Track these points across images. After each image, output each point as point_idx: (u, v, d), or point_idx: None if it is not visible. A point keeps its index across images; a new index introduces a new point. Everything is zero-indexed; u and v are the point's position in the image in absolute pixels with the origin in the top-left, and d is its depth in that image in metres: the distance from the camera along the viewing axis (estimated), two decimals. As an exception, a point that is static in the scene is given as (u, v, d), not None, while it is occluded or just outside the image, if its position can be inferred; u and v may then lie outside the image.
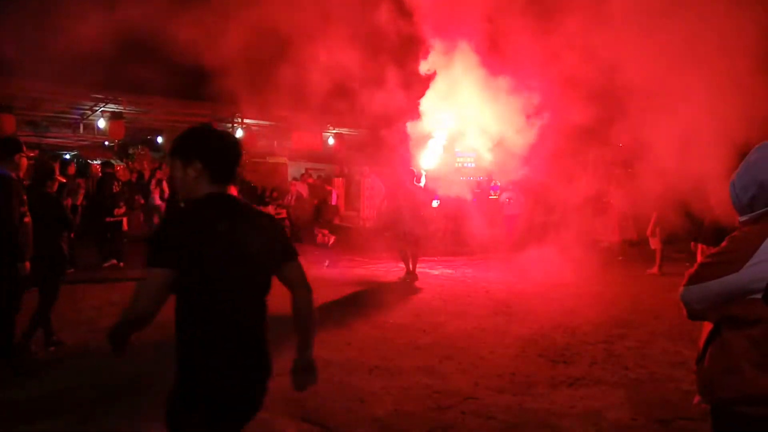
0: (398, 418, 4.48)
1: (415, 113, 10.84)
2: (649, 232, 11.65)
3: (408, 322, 7.36)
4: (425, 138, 11.08)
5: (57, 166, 6.32)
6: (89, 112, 18.96)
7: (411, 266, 10.48)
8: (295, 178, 19.17)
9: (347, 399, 4.84)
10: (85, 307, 7.75)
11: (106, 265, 10.92)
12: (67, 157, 23.59)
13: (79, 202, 7.42)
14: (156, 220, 14.06)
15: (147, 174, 18.34)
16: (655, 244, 11.56)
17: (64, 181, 6.43)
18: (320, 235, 15.81)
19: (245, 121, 20.24)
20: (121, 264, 11.14)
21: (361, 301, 8.60)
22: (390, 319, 7.54)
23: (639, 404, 4.84)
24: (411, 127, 10.96)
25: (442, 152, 11.35)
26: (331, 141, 22.44)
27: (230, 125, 20.79)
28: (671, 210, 10.17)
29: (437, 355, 6.04)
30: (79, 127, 20.54)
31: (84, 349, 6.02)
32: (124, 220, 11.67)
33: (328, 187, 16.58)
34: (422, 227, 10.56)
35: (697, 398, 2.39)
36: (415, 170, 10.95)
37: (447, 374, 5.49)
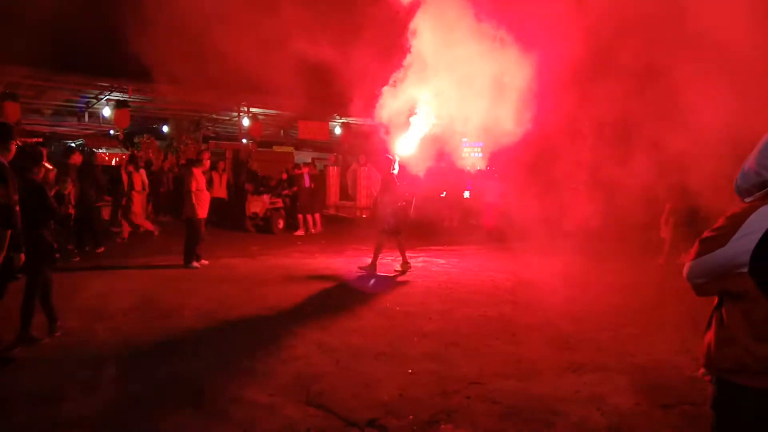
0: (403, 403, 4.51)
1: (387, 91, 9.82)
2: (663, 220, 11.59)
3: (414, 310, 7.39)
4: (404, 121, 10.12)
5: (45, 153, 6.19)
6: (94, 101, 18.99)
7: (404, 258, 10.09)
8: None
9: (353, 384, 4.87)
10: (90, 294, 7.80)
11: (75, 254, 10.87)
12: (73, 145, 23.74)
13: (67, 191, 7.27)
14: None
15: (157, 163, 18.39)
16: (666, 233, 11.52)
17: (51, 168, 6.30)
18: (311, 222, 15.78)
19: (251, 109, 20.22)
20: (99, 250, 11.20)
21: (366, 288, 8.62)
22: (396, 306, 7.56)
23: (642, 390, 4.85)
24: (384, 108, 9.87)
25: (423, 136, 10.22)
26: (338, 130, 22.44)
27: (236, 114, 20.82)
28: (684, 199, 10.18)
29: (443, 342, 6.06)
30: (84, 116, 20.58)
31: (89, 336, 6.07)
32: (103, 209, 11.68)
33: (297, 171, 16.34)
34: (398, 217, 10.08)
35: (701, 369, 2.45)
36: (391, 157, 10.30)
37: (452, 360, 5.51)
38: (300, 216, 15.57)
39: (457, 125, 9.58)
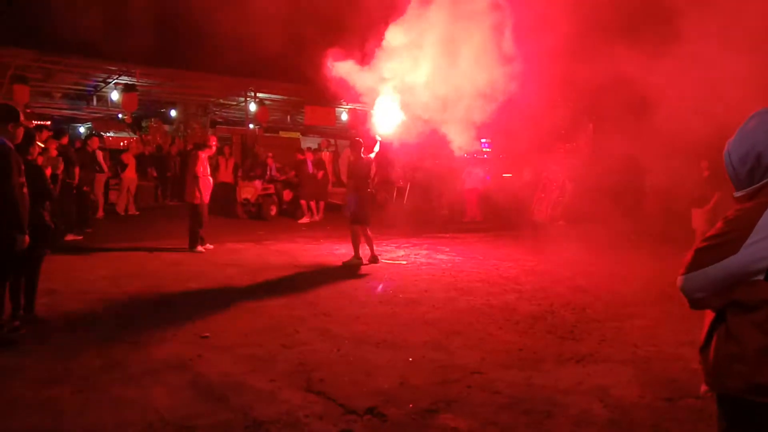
0: (403, 391, 4.47)
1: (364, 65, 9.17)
2: (707, 210, 11.39)
3: (417, 298, 7.35)
4: (378, 97, 9.43)
5: (37, 134, 6.16)
6: (102, 84, 18.98)
7: (365, 250, 9.46)
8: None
9: (353, 371, 4.84)
10: (95, 277, 7.81)
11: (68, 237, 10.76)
12: (82, 129, 23.81)
13: (59, 171, 7.22)
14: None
15: (166, 147, 18.38)
16: (698, 224, 11.34)
17: (43, 147, 6.27)
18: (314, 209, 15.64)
19: (258, 95, 20.16)
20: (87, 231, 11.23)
21: (370, 276, 8.59)
22: (400, 294, 7.53)
23: (646, 382, 4.80)
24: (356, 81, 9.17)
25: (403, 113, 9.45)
26: (344, 116, 22.34)
27: (243, 99, 20.76)
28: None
29: (445, 331, 6.02)
30: (92, 99, 20.59)
31: (93, 318, 6.07)
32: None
33: (300, 156, 16.17)
34: (360, 205, 9.44)
35: (703, 387, 2.30)
36: (361, 140, 9.79)
37: (454, 349, 5.47)
38: (303, 202, 15.44)
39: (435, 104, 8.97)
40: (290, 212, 15.74)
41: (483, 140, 19.40)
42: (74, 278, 7.65)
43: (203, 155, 10.19)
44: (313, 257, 9.94)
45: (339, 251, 10.51)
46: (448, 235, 13.29)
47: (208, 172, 10.22)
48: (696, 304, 2.20)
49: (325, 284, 7.92)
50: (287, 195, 16.26)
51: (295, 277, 8.36)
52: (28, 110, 17.52)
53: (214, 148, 10.66)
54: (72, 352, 5.06)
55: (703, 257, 2.10)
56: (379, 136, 9.54)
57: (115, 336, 5.52)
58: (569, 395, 4.50)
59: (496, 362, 5.16)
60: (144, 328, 5.79)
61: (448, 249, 11.35)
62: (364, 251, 9.49)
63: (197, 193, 9.91)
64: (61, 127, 15.21)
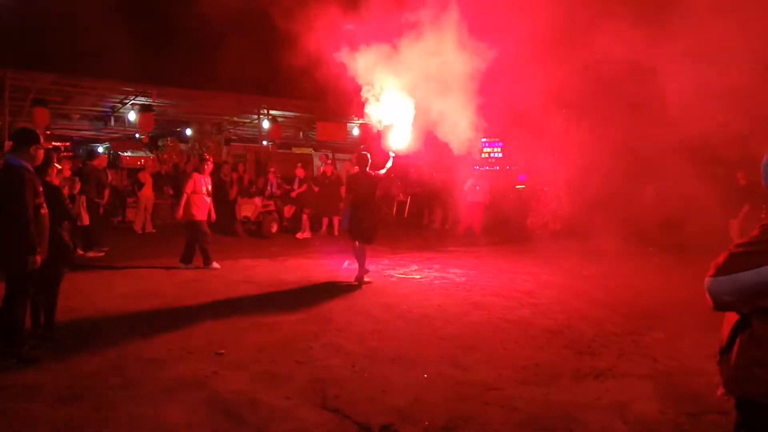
0: (419, 408, 4.43)
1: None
2: (739, 220, 11.30)
3: (431, 313, 7.31)
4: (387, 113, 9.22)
5: (55, 156, 6.23)
6: (120, 105, 19.26)
7: (358, 268, 9.15)
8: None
9: (368, 388, 4.81)
10: (114, 294, 7.85)
11: (90, 254, 10.97)
12: (100, 150, 24.12)
13: (76, 191, 7.31)
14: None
15: (182, 165, 18.51)
16: (736, 233, 11.26)
17: (60, 168, 6.32)
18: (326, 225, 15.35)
19: (271, 112, 20.32)
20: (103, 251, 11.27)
21: (384, 291, 8.56)
22: (414, 309, 7.49)
23: (667, 397, 4.72)
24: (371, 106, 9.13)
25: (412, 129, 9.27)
26: (356, 132, 22.47)
27: (256, 116, 20.95)
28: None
29: (460, 346, 5.97)
30: (110, 120, 20.90)
31: (111, 336, 6.09)
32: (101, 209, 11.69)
33: (321, 169, 15.96)
34: (370, 222, 9.17)
35: (720, 390, 2.29)
36: (368, 154, 9.48)
37: (470, 365, 5.42)
38: (305, 217, 14.95)
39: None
40: (292, 228, 15.34)
41: (492, 146, 19.41)
42: (93, 296, 7.69)
43: (197, 176, 10.16)
44: (326, 273, 9.92)
45: (353, 266, 10.49)
46: (461, 249, 13.23)
47: (203, 191, 10.07)
48: (721, 306, 2.19)
49: (339, 300, 7.90)
50: (288, 211, 15.90)
51: (308, 292, 8.35)
52: (48, 132, 17.81)
53: (208, 170, 10.38)
54: (90, 369, 5.08)
55: (736, 262, 2.09)
56: (393, 152, 9.41)
57: (132, 354, 5.53)
58: (588, 411, 4.43)
59: (513, 378, 5.10)
60: (160, 345, 5.80)
61: (461, 263, 11.28)
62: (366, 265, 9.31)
63: (186, 211, 9.89)
64: (92, 149, 15.48)
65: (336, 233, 14.87)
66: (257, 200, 15.16)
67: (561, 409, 4.46)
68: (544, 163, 15.79)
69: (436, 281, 9.38)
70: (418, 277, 9.73)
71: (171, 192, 17.33)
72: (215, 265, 9.99)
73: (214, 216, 10.23)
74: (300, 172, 16.06)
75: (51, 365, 5.17)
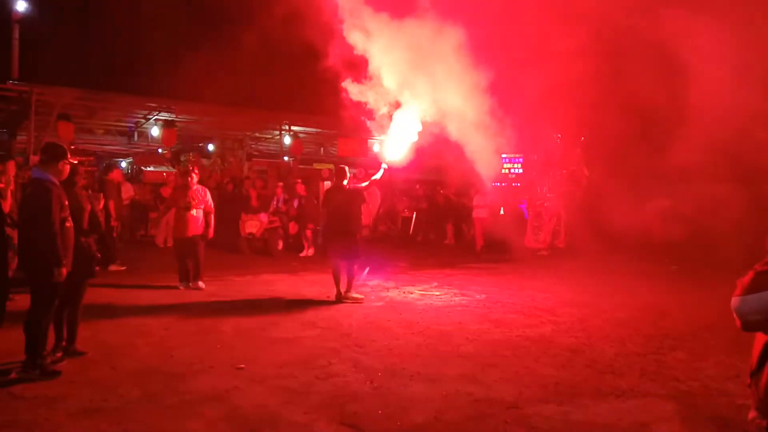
0: (438, 427, 4.42)
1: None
2: None
3: (451, 329, 7.28)
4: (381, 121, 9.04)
5: (81, 170, 6.20)
6: (143, 120, 19.55)
7: (341, 287, 8.88)
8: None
9: (387, 405, 4.80)
10: (136, 308, 7.95)
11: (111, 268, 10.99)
12: (123, 164, 24.48)
13: (100, 207, 7.38)
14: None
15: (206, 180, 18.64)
16: None
17: (85, 183, 6.44)
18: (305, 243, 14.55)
19: (292, 128, 20.50)
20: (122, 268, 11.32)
21: (403, 307, 8.54)
22: (433, 325, 7.47)
23: (690, 418, 4.65)
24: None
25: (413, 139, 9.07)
26: (376, 148, 22.56)
27: (278, 132, 21.15)
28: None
29: (480, 363, 5.94)
30: (133, 135, 21.22)
31: (132, 350, 6.16)
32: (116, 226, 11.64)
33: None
34: (347, 238, 8.87)
35: (752, 414, 2.24)
36: (345, 168, 9.30)
37: (490, 383, 5.39)
38: (309, 233, 14.20)
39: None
40: (297, 246, 14.65)
41: (513, 162, 19.40)
42: (114, 310, 7.79)
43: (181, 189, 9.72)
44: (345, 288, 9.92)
45: (372, 283, 10.51)
46: (481, 266, 13.18)
47: (184, 205, 9.48)
48: (749, 326, 2.15)
49: (358, 316, 7.91)
50: (292, 228, 15.04)
51: (328, 308, 8.36)
52: (73, 147, 18.13)
53: (192, 183, 9.61)
54: (111, 383, 5.14)
55: (762, 280, 2.06)
56: (386, 163, 9.26)
57: (153, 367, 5.58)
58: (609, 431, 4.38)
59: (533, 397, 5.06)
60: (181, 359, 5.85)
61: (481, 280, 11.24)
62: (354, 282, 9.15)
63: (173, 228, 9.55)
64: (109, 163, 15.66)
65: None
66: (262, 216, 14.62)
67: (581, 429, 4.42)
68: (547, 179, 15.73)
69: (456, 298, 9.35)
70: (438, 293, 9.71)
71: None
72: (182, 287, 9.51)
73: (211, 233, 9.74)
74: (300, 189, 15.28)
75: (73, 378, 5.25)
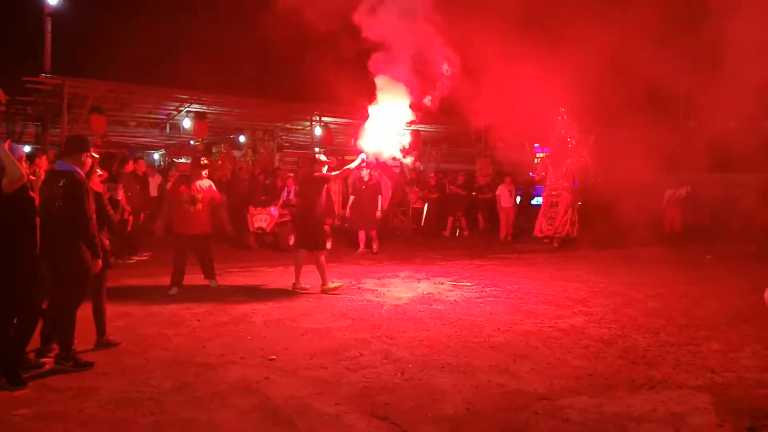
0: (469, 418, 4.41)
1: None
2: None
3: (482, 321, 7.25)
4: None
5: (97, 162, 6.18)
6: (175, 113, 19.74)
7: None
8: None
9: (418, 396, 4.80)
10: (167, 299, 8.06)
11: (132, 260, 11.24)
12: (156, 156, 24.80)
13: (120, 197, 7.27)
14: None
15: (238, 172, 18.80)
16: None
17: (101, 173, 6.40)
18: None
19: (323, 119, 20.51)
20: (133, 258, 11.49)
21: (433, 299, 8.52)
22: (464, 316, 7.45)
23: (725, 410, 4.57)
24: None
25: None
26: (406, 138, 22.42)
27: (308, 123, 21.18)
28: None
29: (511, 354, 5.91)
30: (165, 127, 21.45)
31: (163, 340, 6.25)
32: (130, 219, 11.33)
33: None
34: (311, 227, 8.73)
35: None
36: (318, 156, 9.05)
37: (521, 374, 5.36)
38: (327, 228, 12.46)
39: None
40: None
41: (545, 151, 19.26)
42: (147, 300, 7.92)
43: (183, 180, 8.87)
44: (376, 279, 9.95)
45: (402, 273, 10.52)
46: (512, 256, 13.11)
47: (188, 199, 8.57)
48: None
49: (388, 306, 7.92)
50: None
51: (359, 299, 8.39)
52: (106, 138, 18.42)
53: (196, 175, 8.79)
54: (143, 374, 5.23)
55: None
56: (365, 153, 9.10)
57: (185, 358, 5.67)
58: (643, 423, 4.33)
59: (565, 388, 5.02)
60: (212, 350, 5.93)
61: (512, 270, 11.17)
62: (321, 277, 8.83)
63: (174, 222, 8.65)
64: (125, 156, 15.55)
65: (375, 250, 13.43)
66: (272, 209, 13.71)
67: (614, 421, 4.36)
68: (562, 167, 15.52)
69: (487, 288, 9.30)
70: (469, 284, 9.66)
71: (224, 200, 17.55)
72: (172, 292, 8.47)
73: (229, 228, 9.41)
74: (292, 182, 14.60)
75: (106, 369, 5.34)
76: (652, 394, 4.93)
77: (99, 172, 6.21)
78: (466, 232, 17.85)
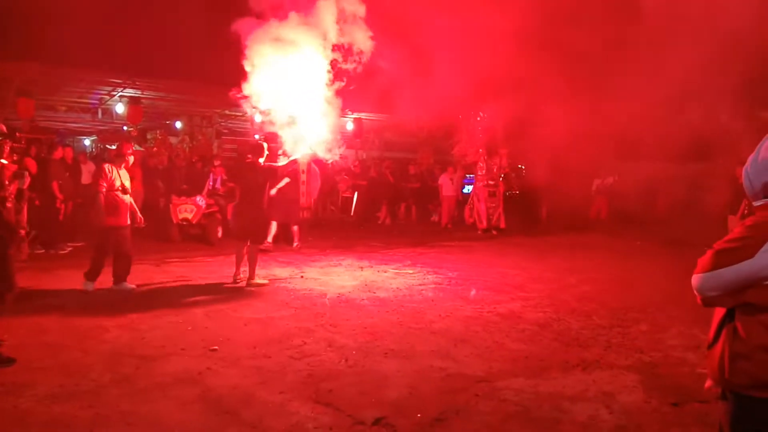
0: (411, 401, 4.51)
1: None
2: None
3: (424, 307, 7.39)
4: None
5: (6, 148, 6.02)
6: (108, 97, 19.11)
7: (244, 269, 8.51)
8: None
9: (361, 382, 4.88)
10: (103, 291, 7.87)
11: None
12: (87, 142, 23.95)
13: (25, 187, 6.94)
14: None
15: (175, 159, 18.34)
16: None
17: (6, 163, 6.11)
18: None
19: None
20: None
21: (377, 286, 8.61)
22: (405, 303, 7.56)
23: (652, 387, 4.83)
24: None
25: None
26: (349, 126, 22.42)
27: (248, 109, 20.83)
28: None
29: (452, 339, 6.06)
30: (97, 112, 20.74)
31: (101, 332, 6.10)
32: (62, 207, 11.29)
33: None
34: (251, 217, 8.47)
35: (708, 383, 2.40)
36: (263, 144, 8.76)
37: (461, 358, 5.51)
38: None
39: None
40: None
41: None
42: (79, 294, 7.69)
43: (107, 167, 8.04)
44: (319, 268, 9.97)
45: (345, 261, 10.57)
46: (452, 244, 13.35)
47: (116, 187, 7.94)
48: (708, 301, 2.30)
49: (332, 295, 7.96)
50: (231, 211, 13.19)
51: (301, 288, 8.39)
52: (33, 123, 17.67)
53: (129, 159, 8.40)
54: (81, 367, 5.10)
55: (720, 259, 2.21)
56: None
57: (124, 351, 5.55)
58: (576, 402, 4.53)
59: (503, 370, 5.19)
60: (152, 342, 5.84)
61: (453, 258, 11.39)
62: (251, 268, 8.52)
63: (98, 214, 7.91)
64: (51, 142, 14.90)
65: (297, 244, 12.23)
66: (198, 199, 12.89)
67: (549, 401, 4.55)
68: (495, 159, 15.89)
69: (429, 276, 9.46)
70: (411, 271, 9.80)
71: (185, 186, 16.91)
72: (129, 286, 8.02)
73: (140, 219, 8.39)
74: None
75: (42, 364, 5.18)
76: (584, 374, 5.16)
77: (4, 161, 5.94)
78: (388, 220, 17.99)
